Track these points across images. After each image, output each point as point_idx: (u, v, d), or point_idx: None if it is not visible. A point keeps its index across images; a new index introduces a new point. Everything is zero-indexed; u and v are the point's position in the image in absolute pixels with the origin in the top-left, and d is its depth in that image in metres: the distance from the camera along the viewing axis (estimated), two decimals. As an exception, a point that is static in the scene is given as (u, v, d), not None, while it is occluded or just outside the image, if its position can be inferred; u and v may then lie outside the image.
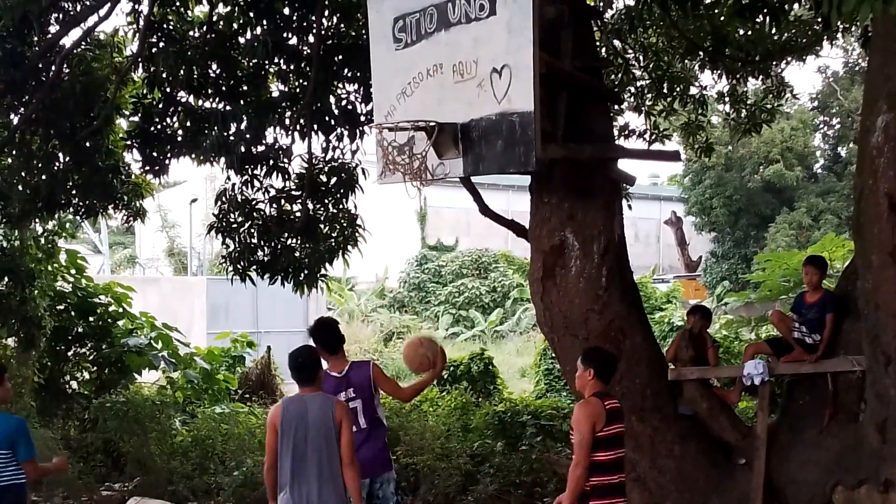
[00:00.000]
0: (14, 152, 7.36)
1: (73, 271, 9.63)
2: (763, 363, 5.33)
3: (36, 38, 6.86)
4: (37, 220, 7.79)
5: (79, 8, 7.07)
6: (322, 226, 6.86)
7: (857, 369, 4.92)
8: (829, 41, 9.55)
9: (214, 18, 7.10)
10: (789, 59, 8.45)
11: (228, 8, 7.01)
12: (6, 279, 7.89)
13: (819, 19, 6.93)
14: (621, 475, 3.96)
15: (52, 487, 7.49)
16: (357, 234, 6.81)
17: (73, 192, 7.44)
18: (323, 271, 7.12)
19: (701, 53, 7.67)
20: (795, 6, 7.15)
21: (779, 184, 21.77)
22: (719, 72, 8.18)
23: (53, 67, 6.97)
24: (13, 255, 8.08)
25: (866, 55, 6.34)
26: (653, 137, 8.67)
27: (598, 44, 6.74)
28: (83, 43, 7.25)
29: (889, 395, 4.69)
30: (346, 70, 6.77)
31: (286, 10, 6.84)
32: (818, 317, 5.24)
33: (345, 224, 6.88)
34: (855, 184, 5.17)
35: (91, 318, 9.65)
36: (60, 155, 7.42)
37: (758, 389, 5.38)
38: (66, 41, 7.21)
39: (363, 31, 6.03)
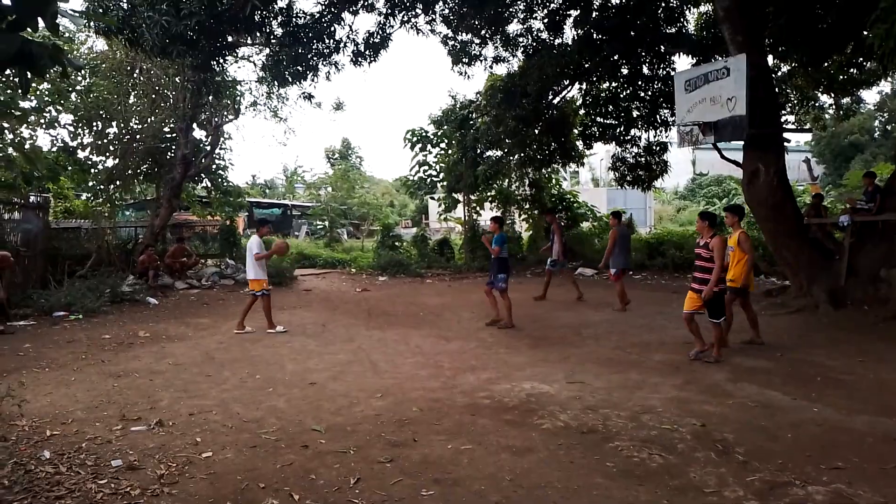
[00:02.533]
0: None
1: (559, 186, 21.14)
2: (847, 216, 10.54)
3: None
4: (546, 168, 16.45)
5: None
6: (654, 166, 14.37)
7: (893, 218, 9.85)
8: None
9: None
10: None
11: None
12: (534, 190, 17.20)
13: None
14: None
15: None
16: (665, 169, 14.39)
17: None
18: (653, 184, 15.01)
19: (823, 84, 13.78)
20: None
21: (858, 143, 42.56)
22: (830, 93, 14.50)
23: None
24: (539, 181, 17.32)
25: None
26: (797, 122, 15.36)
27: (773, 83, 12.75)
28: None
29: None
30: (663, 101, 14.06)
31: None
32: (870, 196, 10.77)
33: (661, 165, 14.40)
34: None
35: (563, 203, 20.68)
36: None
37: (846, 228, 10.64)
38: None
39: (672, 85, 12.79)
